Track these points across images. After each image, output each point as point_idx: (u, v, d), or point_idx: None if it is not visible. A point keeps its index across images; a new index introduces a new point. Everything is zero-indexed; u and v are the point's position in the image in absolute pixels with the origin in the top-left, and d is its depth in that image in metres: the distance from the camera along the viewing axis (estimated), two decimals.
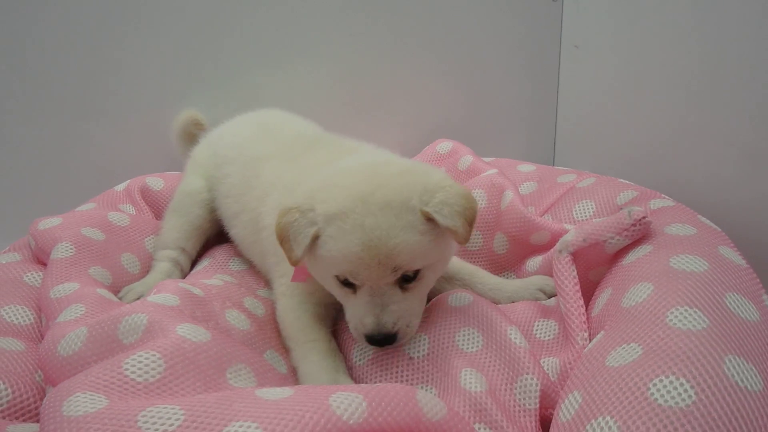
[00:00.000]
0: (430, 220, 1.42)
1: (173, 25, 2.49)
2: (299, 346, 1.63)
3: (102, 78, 2.47)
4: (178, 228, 2.08)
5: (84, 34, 2.41)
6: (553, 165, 2.99)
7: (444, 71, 2.81)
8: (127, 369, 1.17)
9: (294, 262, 1.47)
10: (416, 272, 1.46)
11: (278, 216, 1.48)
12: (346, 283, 1.47)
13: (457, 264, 1.83)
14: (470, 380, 1.38)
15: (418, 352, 1.51)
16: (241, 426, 1.00)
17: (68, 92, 2.46)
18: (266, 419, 1.02)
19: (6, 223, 2.46)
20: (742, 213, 1.88)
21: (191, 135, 2.45)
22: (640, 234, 1.53)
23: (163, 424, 1.00)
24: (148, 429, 0.99)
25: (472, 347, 1.47)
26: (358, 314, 1.47)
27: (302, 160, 1.83)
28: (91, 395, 1.07)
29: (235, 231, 2.01)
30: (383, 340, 1.45)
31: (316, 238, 1.44)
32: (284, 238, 1.46)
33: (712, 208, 1.71)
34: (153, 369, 1.19)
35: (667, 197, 1.76)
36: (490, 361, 1.43)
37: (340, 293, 1.52)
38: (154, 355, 1.20)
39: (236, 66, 2.61)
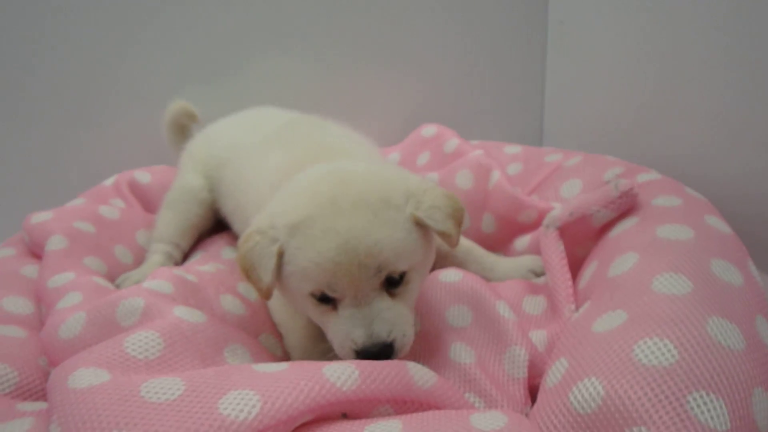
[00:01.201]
0: (417, 224, 1.34)
1: (160, 19, 2.50)
2: (289, 333, 1.60)
3: (89, 73, 2.49)
4: (174, 225, 2.06)
5: (71, 29, 2.43)
6: (541, 144, 3.02)
7: (428, 54, 2.82)
8: (128, 347, 1.20)
9: (265, 294, 1.34)
10: (402, 275, 1.33)
11: (237, 247, 1.39)
12: (324, 299, 1.32)
13: None
14: (460, 353, 1.42)
15: (414, 327, 1.49)
16: (239, 394, 1.04)
17: (55, 89, 2.47)
18: (263, 388, 1.06)
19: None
20: (728, 186, 1.91)
21: (182, 127, 2.45)
22: (627, 206, 1.55)
23: (165, 393, 1.04)
24: (151, 398, 1.03)
25: (463, 322, 1.49)
26: (344, 330, 1.31)
27: (272, 155, 1.77)
28: (94, 370, 1.11)
29: (235, 227, 2.00)
30: (379, 352, 1.27)
31: (281, 256, 1.32)
32: (248, 268, 1.35)
33: (698, 182, 1.73)
34: (153, 347, 1.22)
35: (653, 171, 1.78)
36: (479, 335, 1.46)
37: (317, 313, 1.36)
38: (153, 334, 1.24)
39: (222, 59, 2.62)
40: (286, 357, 1.58)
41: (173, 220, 2.07)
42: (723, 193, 1.81)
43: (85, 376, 1.09)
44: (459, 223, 1.39)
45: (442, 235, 1.35)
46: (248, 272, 1.35)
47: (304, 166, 1.52)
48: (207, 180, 2.10)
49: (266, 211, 1.39)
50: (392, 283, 1.33)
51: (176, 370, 1.20)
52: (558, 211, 1.63)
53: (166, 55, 2.56)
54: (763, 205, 1.84)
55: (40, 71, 2.45)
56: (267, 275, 1.31)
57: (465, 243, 1.83)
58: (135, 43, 2.51)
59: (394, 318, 1.31)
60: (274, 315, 1.65)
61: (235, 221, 1.98)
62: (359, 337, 1.28)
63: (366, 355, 1.27)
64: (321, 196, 1.32)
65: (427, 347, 1.49)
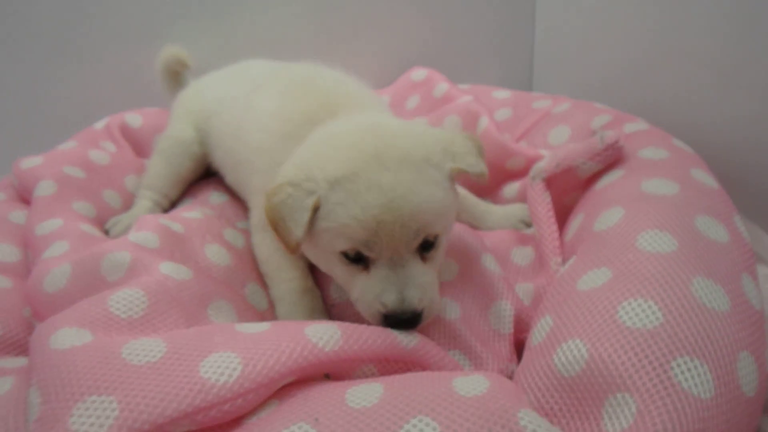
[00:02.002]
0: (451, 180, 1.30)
1: None
2: (275, 284, 1.55)
3: (78, 13, 2.43)
4: (165, 176, 2.01)
5: None
6: (531, 89, 2.98)
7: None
8: (111, 306, 1.17)
9: (293, 248, 1.27)
10: (435, 238, 1.27)
11: (266, 198, 1.28)
12: (356, 259, 1.26)
13: None
14: (445, 309, 1.38)
15: None
16: (220, 356, 1.02)
17: (44, 29, 2.41)
18: (244, 349, 1.04)
19: None
20: (717, 133, 1.88)
21: (176, 73, 2.38)
22: (612, 158, 1.52)
23: (146, 355, 1.02)
24: (132, 360, 1.01)
25: (449, 276, 1.46)
26: (374, 291, 1.24)
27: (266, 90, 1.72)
28: (77, 330, 1.09)
29: (227, 178, 1.95)
30: (409, 319, 1.22)
31: (316, 210, 1.24)
32: (277, 221, 1.26)
33: (687, 129, 1.71)
34: (137, 306, 1.19)
35: (641, 120, 1.76)
36: (464, 289, 1.43)
37: (344, 272, 1.30)
38: (138, 292, 1.21)
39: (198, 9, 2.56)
40: (272, 310, 1.56)
41: (163, 171, 2.01)
42: (712, 140, 1.80)
43: (67, 336, 1.06)
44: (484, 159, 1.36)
45: (479, 175, 1.31)
46: (277, 224, 1.27)
47: (318, 116, 1.48)
48: (198, 132, 2.04)
49: (297, 162, 1.31)
50: (425, 247, 1.27)
51: (159, 329, 1.18)
52: (544, 162, 1.60)
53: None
54: (751, 153, 1.80)
55: (30, 8, 2.38)
56: (299, 229, 1.24)
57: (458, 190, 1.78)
58: None
59: (426, 284, 1.25)
60: (262, 265, 1.60)
61: (226, 172, 1.93)
62: (391, 301, 1.22)
63: (394, 320, 1.22)
64: (364, 150, 1.24)
65: None
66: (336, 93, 1.59)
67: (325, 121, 1.45)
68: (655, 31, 2.10)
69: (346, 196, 1.21)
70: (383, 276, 1.23)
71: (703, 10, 1.87)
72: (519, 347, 1.35)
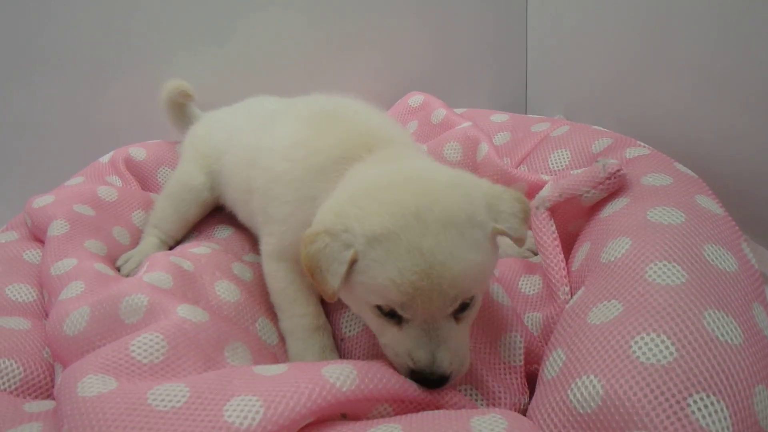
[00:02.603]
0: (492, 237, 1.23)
1: None
2: (287, 318, 1.53)
3: (80, 47, 2.44)
4: (172, 220, 2.00)
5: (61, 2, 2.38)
6: (525, 110, 3.01)
7: (409, 20, 2.78)
8: (133, 351, 1.18)
9: (330, 296, 1.21)
10: (471, 299, 1.21)
11: (303, 244, 1.22)
12: (389, 314, 1.20)
13: None
14: None
15: None
16: (242, 400, 1.03)
17: (46, 63, 2.42)
18: (265, 392, 1.04)
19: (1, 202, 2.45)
20: (712, 147, 1.88)
21: (180, 105, 2.37)
22: (615, 186, 1.51)
23: (171, 401, 1.03)
24: (158, 405, 1.02)
25: None
26: (405, 346, 1.20)
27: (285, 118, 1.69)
28: (102, 377, 1.10)
29: (240, 216, 1.91)
30: (437, 381, 1.18)
31: (353, 263, 1.18)
32: (314, 269, 1.20)
33: (684, 143, 1.71)
34: (157, 351, 1.20)
35: (642, 144, 1.75)
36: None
37: (377, 323, 1.25)
38: (157, 336, 1.22)
39: (211, 24, 2.56)
40: (281, 344, 1.56)
41: (171, 215, 2.00)
42: (710, 153, 1.80)
43: (94, 384, 1.07)
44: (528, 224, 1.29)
45: (518, 240, 1.24)
46: (313, 273, 1.21)
47: (353, 153, 1.43)
48: (208, 176, 2.01)
49: (336, 209, 1.24)
50: (461, 308, 1.20)
51: (179, 373, 1.18)
52: (547, 191, 1.59)
53: (157, 24, 2.50)
54: (750, 165, 1.80)
55: (36, 45, 2.39)
56: (335, 281, 1.18)
57: None
58: (129, 14, 2.45)
59: (457, 347, 1.20)
60: (274, 296, 1.58)
61: (238, 206, 1.89)
62: (421, 360, 1.18)
63: (421, 377, 1.18)
64: (406, 207, 1.15)
65: None
66: (369, 128, 1.53)
67: (362, 158, 1.41)
68: (645, 50, 2.12)
69: (385, 256, 1.14)
70: (416, 335, 1.18)
71: (693, 28, 1.88)
72: (530, 378, 1.34)
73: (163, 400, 1.03)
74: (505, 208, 1.23)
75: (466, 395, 1.28)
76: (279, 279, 1.55)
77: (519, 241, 1.24)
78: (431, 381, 1.18)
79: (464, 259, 1.13)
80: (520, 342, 1.34)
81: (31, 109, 2.45)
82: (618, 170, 1.50)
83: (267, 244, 1.59)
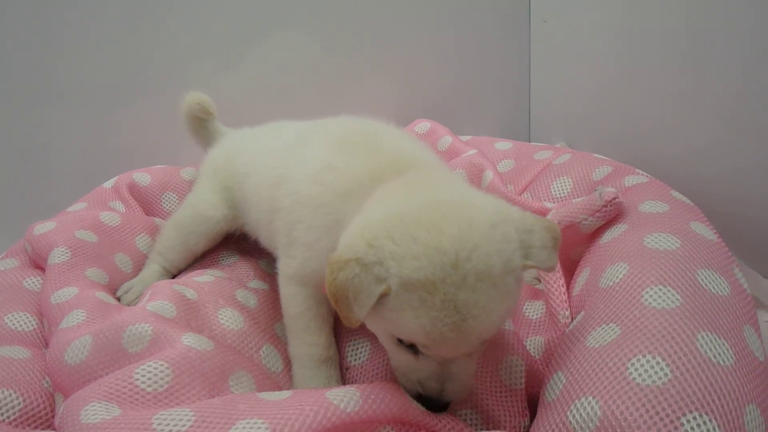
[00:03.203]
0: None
1: (162, 15, 2.50)
2: (297, 344, 1.54)
3: (90, 76, 2.49)
4: (179, 251, 1.98)
5: (69, 30, 2.43)
6: (529, 139, 3.05)
7: (414, 50, 2.84)
8: (137, 379, 1.21)
9: (353, 324, 1.17)
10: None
11: (330, 269, 1.15)
12: (410, 345, 1.20)
13: None
14: None
15: None
16: (248, 423, 1.05)
17: (55, 93, 2.47)
18: (270, 415, 1.07)
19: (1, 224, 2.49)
20: (711, 182, 1.92)
21: (200, 120, 2.30)
22: (612, 214, 1.55)
23: (176, 425, 1.05)
24: (163, 430, 1.04)
25: None
26: (418, 374, 1.22)
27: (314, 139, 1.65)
28: (105, 404, 1.12)
29: (262, 238, 1.87)
30: (441, 408, 1.22)
31: (383, 296, 1.14)
32: (340, 297, 1.15)
33: (683, 177, 1.74)
34: (161, 379, 1.23)
35: (641, 173, 1.78)
36: None
37: (393, 349, 1.25)
38: (162, 365, 1.25)
39: (219, 54, 2.62)
40: (286, 372, 1.58)
41: (178, 246, 1.99)
42: (708, 188, 1.83)
43: (97, 411, 1.10)
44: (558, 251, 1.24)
45: (548, 270, 1.22)
46: (338, 300, 1.16)
47: (384, 176, 1.39)
48: (230, 207, 1.98)
49: (367, 237, 1.17)
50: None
51: (183, 402, 1.21)
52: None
53: (168, 50, 2.56)
54: (749, 201, 1.85)
55: (36, 68, 2.44)
56: (362, 311, 1.15)
57: None
58: (137, 41, 2.51)
59: (466, 379, 1.24)
60: (288, 320, 1.58)
61: (261, 229, 1.83)
62: (431, 390, 1.21)
63: (427, 404, 1.22)
64: (444, 254, 1.10)
65: None
66: (400, 150, 1.51)
67: (392, 180, 1.37)
68: (646, 82, 2.17)
69: (419, 303, 1.11)
70: (429, 367, 1.20)
71: (694, 62, 1.92)
72: (531, 401, 1.38)
73: (168, 425, 1.06)
74: (536, 242, 1.19)
75: (467, 419, 1.33)
76: (296, 304, 1.54)
77: (549, 270, 1.23)
78: (437, 407, 1.21)
79: (496, 311, 1.12)
80: (522, 365, 1.38)
81: (34, 136, 2.50)
82: (614, 198, 1.54)
83: (288, 267, 1.56)
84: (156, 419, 1.07)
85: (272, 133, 2.00)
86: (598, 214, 1.55)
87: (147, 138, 2.62)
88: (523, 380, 1.37)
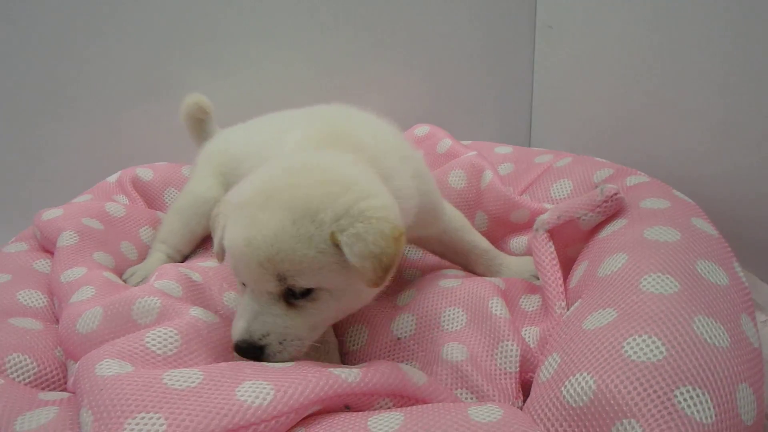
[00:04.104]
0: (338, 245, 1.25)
1: (166, 15, 2.55)
2: None
3: (92, 70, 2.54)
4: (181, 234, 2.05)
5: (71, 24, 2.48)
6: (530, 145, 3.06)
7: (419, 54, 2.87)
8: (148, 342, 1.26)
9: (216, 257, 1.44)
10: (309, 290, 1.30)
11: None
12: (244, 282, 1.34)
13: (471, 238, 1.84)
14: (452, 352, 1.45)
15: (406, 332, 1.55)
16: (253, 384, 1.10)
17: (59, 87, 2.52)
18: (274, 379, 1.12)
19: (10, 215, 2.52)
20: (713, 186, 1.95)
21: (199, 120, 2.38)
22: (613, 210, 1.58)
23: (185, 381, 1.10)
24: (173, 384, 1.09)
25: (456, 326, 1.52)
26: (236, 317, 1.34)
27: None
28: (118, 361, 1.17)
29: None
30: (247, 349, 1.29)
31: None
32: (212, 231, 1.44)
33: (685, 183, 1.76)
34: (171, 344, 1.28)
35: (642, 174, 1.82)
36: (472, 334, 1.49)
37: (239, 289, 1.40)
38: (172, 331, 1.30)
39: (224, 56, 2.66)
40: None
41: (180, 229, 2.06)
42: (709, 193, 1.85)
43: (111, 366, 1.14)
44: (385, 267, 1.24)
45: (357, 270, 1.25)
46: (212, 234, 1.43)
47: (309, 140, 1.53)
48: (225, 189, 2.00)
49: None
50: (294, 294, 1.30)
51: (191, 366, 1.24)
52: (547, 215, 1.66)
53: (170, 52, 2.60)
54: (748, 206, 1.88)
55: (45, 69, 2.48)
56: (216, 243, 1.40)
57: (482, 243, 1.85)
58: (139, 40, 2.56)
59: (276, 325, 1.30)
60: None
61: None
62: (237, 328, 1.30)
63: (237, 348, 1.30)
64: (266, 185, 1.31)
65: (421, 349, 1.52)
66: (347, 130, 1.58)
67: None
68: (650, 89, 2.19)
69: (233, 223, 1.30)
70: (244, 304, 1.31)
71: (697, 67, 1.96)
72: (525, 387, 1.41)
73: (178, 380, 1.10)
74: (360, 228, 1.24)
75: (461, 399, 1.36)
76: None
77: (362, 276, 1.26)
78: (243, 351, 1.29)
79: (284, 243, 1.23)
80: (517, 350, 1.42)
81: (44, 135, 2.56)
82: (615, 193, 1.58)
83: None
84: (167, 375, 1.11)
85: (265, 121, 2.08)
86: (598, 209, 1.58)
87: (149, 138, 2.66)
88: (518, 365, 1.41)
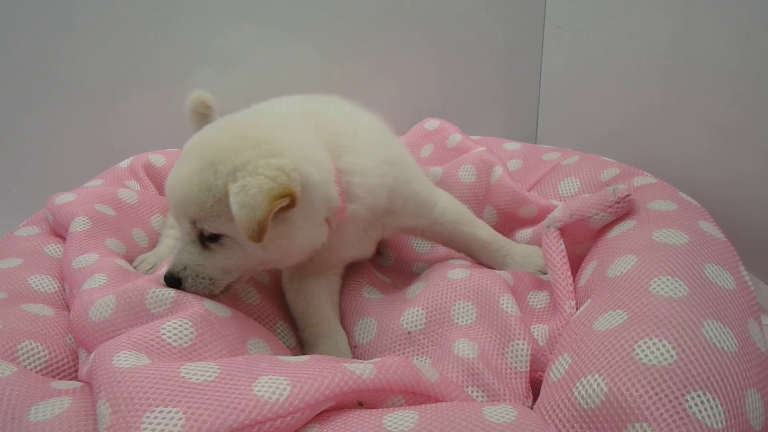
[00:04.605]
0: None
1: (171, 8, 2.54)
2: (302, 329, 1.65)
3: (106, 57, 2.53)
4: None
5: (79, 7, 2.47)
6: (536, 141, 3.05)
7: (428, 51, 2.86)
8: (164, 333, 1.26)
9: None
10: (217, 236, 1.40)
11: None
12: None
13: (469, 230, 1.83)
14: (463, 348, 1.45)
15: (416, 326, 1.56)
16: (269, 379, 1.10)
17: (72, 76, 2.51)
18: (290, 375, 1.12)
19: (20, 198, 2.52)
20: (717, 188, 1.94)
21: (203, 116, 2.34)
22: (624, 211, 1.59)
23: (202, 375, 1.10)
24: (190, 378, 1.09)
25: (467, 320, 1.53)
26: None
27: None
28: (135, 353, 1.17)
29: None
30: (168, 277, 1.43)
31: None
32: None
33: (689, 184, 1.76)
34: (186, 335, 1.28)
35: (649, 174, 1.82)
36: (482, 330, 1.50)
37: None
38: (186, 323, 1.30)
39: (232, 45, 2.64)
40: (299, 347, 1.64)
41: None
42: (713, 195, 1.85)
43: (128, 358, 1.14)
44: (257, 222, 1.28)
45: (239, 226, 1.30)
46: None
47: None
48: None
49: None
50: (209, 238, 1.42)
51: (206, 359, 1.25)
52: (558, 212, 1.67)
53: (179, 40, 2.59)
54: (750, 208, 1.88)
55: (61, 55, 2.48)
56: None
57: (484, 234, 1.84)
58: (150, 28, 2.54)
59: (191, 262, 1.43)
60: (288, 307, 1.71)
61: None
62: (169, 264, 1.46)
63: (165, 279, 1.44)
64: (197, 138, 1.46)
65: (431, 344, 1.53)
66: (316, 111, 1.65)
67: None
68: (657, 91, 2.18)
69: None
70: (176, 244, 1.52)
71: (705, 70, 1.95)
72: (534, 385, 1.42)
73: (195, 374, 1.10)
74: (248, 182, 1.30)
75: (473, 396, 1.36)
76: (289, 289, 1.72)
77: (237, 224, 1.30)
78: (167, 280, 1.44)
79: (187, 190, 1.36)
80: (527, 349, 1.43)
81: (53, 122, 2.56)
82: (627, 195, 1.58)
83: None
84: (184, 368, 1.11)
85: (261, 106, 2.03)
86: (610, 210, 1.58)
87: (159, 124, 2.65)
88: (528, 364, 1.41)
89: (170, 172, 1.44)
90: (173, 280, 1.42)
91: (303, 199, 1.38)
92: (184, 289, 1.42)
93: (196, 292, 1.43)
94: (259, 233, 1.29)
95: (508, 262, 1.82)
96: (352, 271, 1.83)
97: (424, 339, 1.54)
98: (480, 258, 1.84)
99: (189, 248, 1.43)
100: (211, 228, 1.38)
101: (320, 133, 1.54)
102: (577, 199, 1.66)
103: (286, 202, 1.32)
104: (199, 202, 1.34)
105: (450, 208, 1.82)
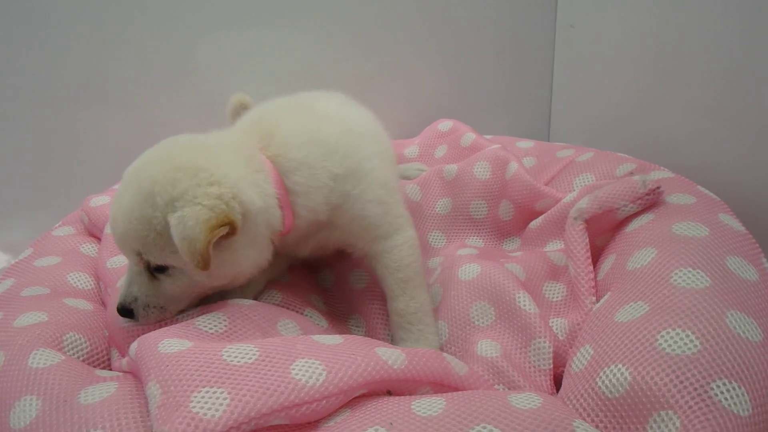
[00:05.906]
0: None
1: (188, 7, 2.54)
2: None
3: (137, 67, 2.53)
4: None
5: (108, 13, 2.47)
6: (549, 140, 3.03)
7: (439, 52, 2.84)
8: (199, 324, 1.29)
9: None
10: (164, 267, 1.34)
11: None
12: None
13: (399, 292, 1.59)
14: (486, 349, 1.44)
15: (441, 337, 1.56)
16: (306, 362, 1.12)
17: (108, 83, 2.51)
18: (326, 359, 1.13)
19: (56, 200, 2.52)
20: (734, 184, 1.90)
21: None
22: (651, 202, 1.56)
23: (243, 357, 1.12)
24: (232, 360, 1.11)
25: (486, 321, 1.52)
26: None
27: None
28: (178, 340, 1.18)
29: None
30: (121, 309, 1.37)
31: None
32: None
33: (703, 179, 1.75)
34: (219, 324, 1.31)
35: (665, 169, 1.81)
36: (503, 331, 1.49)
37: None
38: (218, 314, 1.33)
39: (248, 45, 2.65)
40: (332, 327, 1.62)
41: None
42: (732, 191, 1.82)
43: (173, 344, 1.16)
44: (198, 252, 1.23)
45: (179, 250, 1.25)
46: None
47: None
48: None
49: None
50: (154, 268, 1.35)
51: (243, 341, 1.25)
52: (586, 203, 1.62)
53: (203, 40, 2.58)
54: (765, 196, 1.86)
55: (100, 64, 2.49)
56: None
57: (413, 304, 1.57)
58: (172, 28, 2.54)
59: (140, 294, 1.37)
60: None
61: None
62: (120, 294, 1.39)
63: (118, 311, 1.38)
64: (135, 164, 1.38)
65: (455, 346, 1.53)
66: (266, 122, 1.57)
67: None
68: (669, 89, 2.16)
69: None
70: (125, 276, 1.41)
71: (718, 67, 1.93)
72: (556, 381, 1.41)
73: (236, 356, 1.12)
74: (186, 213, 1.25)
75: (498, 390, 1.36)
76: None
77: (188, 260, 1.25)
78: (119, 311, 1.38)
79: (128, 222, 1.29)
80: (549, 347, 1.41)
81: (81, 127, 2.56)
82: (657, 187, 1.56)
83: None
84: (225, 351, 1.13)
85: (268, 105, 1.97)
86: (639, 201, 1.55)
87: (189, 126, 2.64)
88: (551, 361, 1.40)
89: (111, 201, 1.40)
90: (126, 312, 1.37)
91: (244, 226, 1.33)
92: (136, 320, 1.38)
93: (147, 323, 1.39)
94: (202, 262, 1.24)
95: (418, 338, 1.56)
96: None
97: (449, 347, 1.54)
98: (390, 317, 1.63)
99: (138, 279, 1.37)
100: (156, 260, 1.32)
101: (268, 146, 1.49)
102: (605, 190, 1.62)
103: (225, 231, 1.28)
104: (141, 236, 1.28)
105: (404, 253, 1.60)
